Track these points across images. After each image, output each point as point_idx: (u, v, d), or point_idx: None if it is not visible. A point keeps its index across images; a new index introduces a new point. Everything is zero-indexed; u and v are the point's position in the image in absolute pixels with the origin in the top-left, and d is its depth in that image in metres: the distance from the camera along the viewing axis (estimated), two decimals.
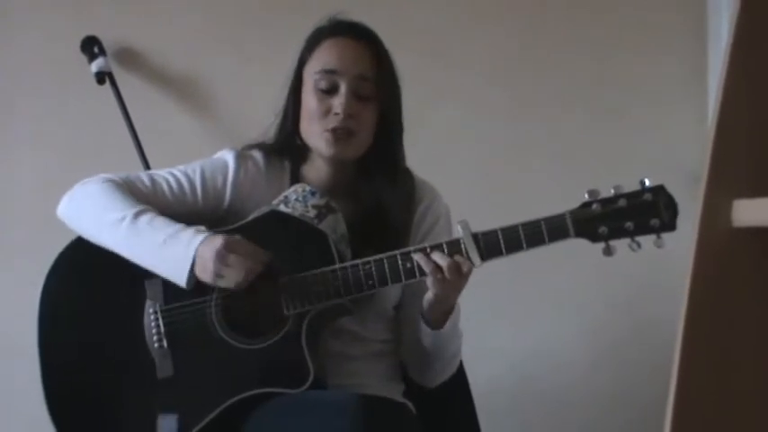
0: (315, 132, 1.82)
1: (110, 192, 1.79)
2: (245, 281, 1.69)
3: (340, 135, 1.79)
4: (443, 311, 1.75)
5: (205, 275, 1.69)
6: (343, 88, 1.80)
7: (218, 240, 1.68)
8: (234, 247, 1.68)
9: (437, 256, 1.67)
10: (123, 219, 1.74)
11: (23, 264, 2.43)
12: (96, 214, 1.78)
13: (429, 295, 1.71)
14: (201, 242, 1.69)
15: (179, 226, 1.74)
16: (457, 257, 1.67)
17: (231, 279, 1.69)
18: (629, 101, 2.83)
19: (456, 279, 1.67)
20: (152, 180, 1.85)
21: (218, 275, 1.68)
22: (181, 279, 1.71)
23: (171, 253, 1.71)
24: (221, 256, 1.67)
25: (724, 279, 1.12)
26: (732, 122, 1.12)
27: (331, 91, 1.81)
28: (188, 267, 1.69)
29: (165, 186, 1.84)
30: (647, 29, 2.82)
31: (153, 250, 1.73)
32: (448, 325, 1.76)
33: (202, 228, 1.74)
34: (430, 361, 1.83)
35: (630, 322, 2.81)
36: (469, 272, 1.68)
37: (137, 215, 1.74)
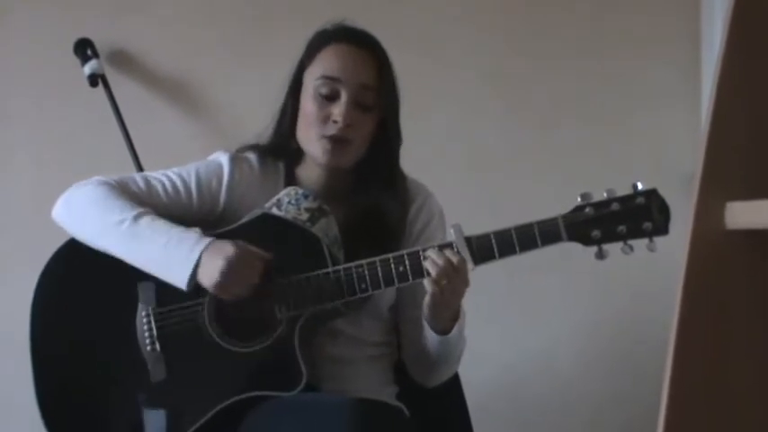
0: (311, 138, 1.82)
1: (107, 195, 1.78)
2: (247, 295, 1.70)
3: (336, 143, 1.79)
4: (450, 317, 1.74)
5: (207, 282, 1.69)
6: (344, 97, 1.80)
7: (229, 250, 1.67)
8: (245, 260, 1.68)
9: (431, 257, 1.67)
10: (122, 221, 1.73)
11: (19, 265, 2.43)
12: (94, 218, 1.77)
13: (427, 299, 1.71)
14: (207, 247, 1.69)
15: (180, 228, 1.73)
16: (447, 252, 1.67)
17: (235, 293, 1.70)
18: (623, 104, 2.83)
19: (453, 278, 1.67)
20: (146, 182, 1.84)
21: (222, 287, 1.68)
22: (181, 282, 1.70)
23: (173, 256, 1.70)
24: (231, 269, 1.67)
25: (717, 281, 1.12)
26: (725, 125, 1.13)
27: (331, 97, 1.80)
28: (190, 271, 1.69)
29: (159, 189, 1.83)
30: (641, 33, 2.83)
31: (154, 253, 1.72)
32: (455, 331, 1.75)
33: (198, 229, 1.73)
34: (434, 364, 1.83)
35: (624, 324, 2.81)
36: (465, 270, 1.67)
37: (136, 218, 1.73)
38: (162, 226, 1.73)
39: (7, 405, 2.63)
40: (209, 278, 1.68)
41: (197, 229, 1.74)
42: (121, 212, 1.75)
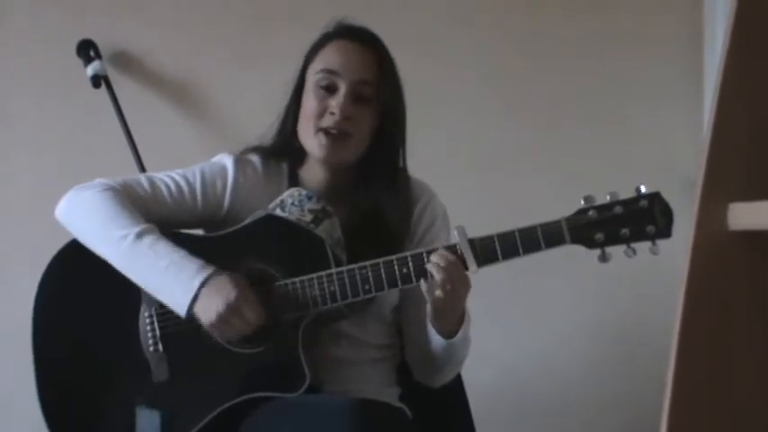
0: (309, 132, 1.81)
1: (111, 203, 1.76)
2: (236, 340, 1.70)
3: (334, 136, 1.79)
4: (456, 321, 1.74)
5: (203, 318, 1.68)
6: (342, 90, 1.80)
7: (230, 293, 1.65)
8: (242, 307, 1.66)
9: (435, 262, 1.67)
10: (125, 237, 1.72)
11: (19, 266, 2.43)
12: (97, 227, 1.76)
13: (429, 304, 1.70)
14: (208, 280, 1.67)
15: (182, 253, 1.71)
16: (450, 256, 1.66)
17: (227, 337, 1.70)
18: (625, 105, 2.84)
19: (455, 281, 1.66)
20: (151, 184, 1.83)
21: (216, 329, 1.68)
22: (180, 310, 1.69)
23: (172, 282, 1.69)
24: (229, 313, 1.66)
25: (720, 282, 1.12)
26: (727, 126, 1.13)
27: (330, 91, 1.81)
28: (188, 301, 1.67)
29: (164, 190, 1.83)
30: (641, 33, 2.83)
31: (153, 275, 1.71)
32: (460, 335, 1.74)
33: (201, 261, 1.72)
34: (439, 366, 1.83)
35: (627, 326, 2.81)
36: (464, 272, 1.67)
37: (139, 235, 1.72)
38: (164, 248, 1.71)
39: (7, 405, 2.63)
40: (205, 315, 1.67)
41: (200, 261, 1.71)
42: (124, 227, 1.73)
